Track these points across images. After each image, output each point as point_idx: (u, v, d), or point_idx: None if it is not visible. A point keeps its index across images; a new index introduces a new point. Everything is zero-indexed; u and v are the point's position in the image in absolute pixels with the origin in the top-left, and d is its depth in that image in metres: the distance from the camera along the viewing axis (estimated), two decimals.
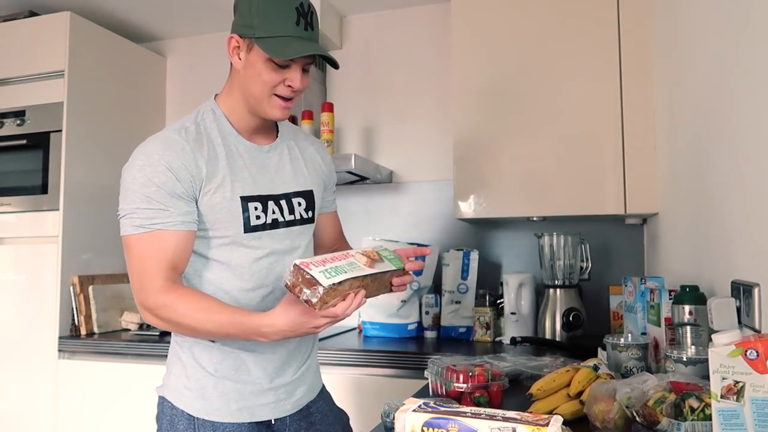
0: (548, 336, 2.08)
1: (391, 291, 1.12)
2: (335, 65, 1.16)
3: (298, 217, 1.25)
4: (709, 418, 0.83)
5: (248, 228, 1.16)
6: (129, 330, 2.39)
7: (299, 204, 1.26)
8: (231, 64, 1.18)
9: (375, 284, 1.07)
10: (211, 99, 1.23)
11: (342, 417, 1.39)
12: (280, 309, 1.02)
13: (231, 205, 1.15)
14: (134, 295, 1.11)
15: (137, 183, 1.08)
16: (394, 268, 1.10)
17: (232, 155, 1.17)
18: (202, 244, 1.17)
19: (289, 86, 1.13)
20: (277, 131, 1.29)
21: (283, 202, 1.23)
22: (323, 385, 1.38)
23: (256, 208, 1.17)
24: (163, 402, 1.21)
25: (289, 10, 1.09)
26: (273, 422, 1.22)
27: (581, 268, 2.15)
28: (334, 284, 0.96)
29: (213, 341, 1.18)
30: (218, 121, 1.19)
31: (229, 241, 1.16)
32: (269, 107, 1.15)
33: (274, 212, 1.20)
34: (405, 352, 1.94)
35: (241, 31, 1.12)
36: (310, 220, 1.29)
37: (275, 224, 1.21)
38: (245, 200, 1.16)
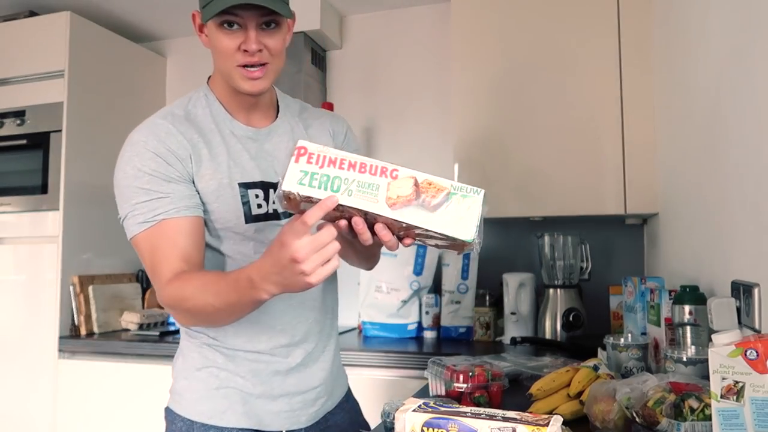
0: (548, 336, 2.08)
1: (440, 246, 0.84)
2: (278, 13, 1.01)
3: None
4: (708, 418, 0.83)
5: (250, 218, 1.07)
6: (129, 330, 2.39)
7: None
8: None
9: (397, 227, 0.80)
10: (204, 84, 1.15)
11: None
12: (262, 255, 0.90)
13: (230, 192, 1.06)
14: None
15: (129, 177, 1.01)
16: (450, 234, 0.73)
17: (227, 140, 1.09)
18: (212, 237, 1.09)
19: (245, 50, 1.02)
20: (278, 111, 1.18)
21: None
22: (347, 396, 1.29)
23: (257, 196, 1.08)
24: (167, 412, 1.13)
25: None
26: None
27: (581, 268, 2.15)
28: (305, 196, 0.73)
29: (222, 345, 1.10)
30: (211, 107, 1.11)
31: (235, 233, 1.08)
32: (238, 80, 1.05)
33: (275, 202, 1.10)
34: (405, 352, 1.94)
35: (198, 7, 1.07)
36: None
37: (277, 215, 1.10)
38: (244, 187, 1.07)
